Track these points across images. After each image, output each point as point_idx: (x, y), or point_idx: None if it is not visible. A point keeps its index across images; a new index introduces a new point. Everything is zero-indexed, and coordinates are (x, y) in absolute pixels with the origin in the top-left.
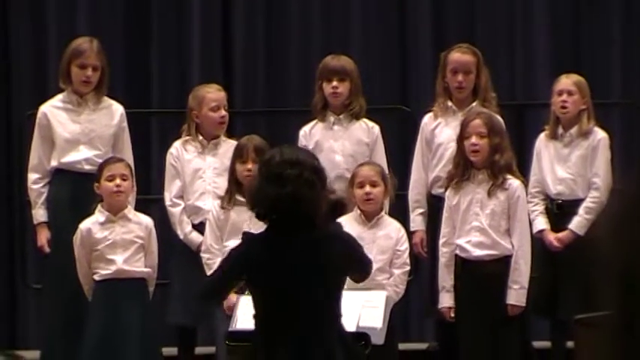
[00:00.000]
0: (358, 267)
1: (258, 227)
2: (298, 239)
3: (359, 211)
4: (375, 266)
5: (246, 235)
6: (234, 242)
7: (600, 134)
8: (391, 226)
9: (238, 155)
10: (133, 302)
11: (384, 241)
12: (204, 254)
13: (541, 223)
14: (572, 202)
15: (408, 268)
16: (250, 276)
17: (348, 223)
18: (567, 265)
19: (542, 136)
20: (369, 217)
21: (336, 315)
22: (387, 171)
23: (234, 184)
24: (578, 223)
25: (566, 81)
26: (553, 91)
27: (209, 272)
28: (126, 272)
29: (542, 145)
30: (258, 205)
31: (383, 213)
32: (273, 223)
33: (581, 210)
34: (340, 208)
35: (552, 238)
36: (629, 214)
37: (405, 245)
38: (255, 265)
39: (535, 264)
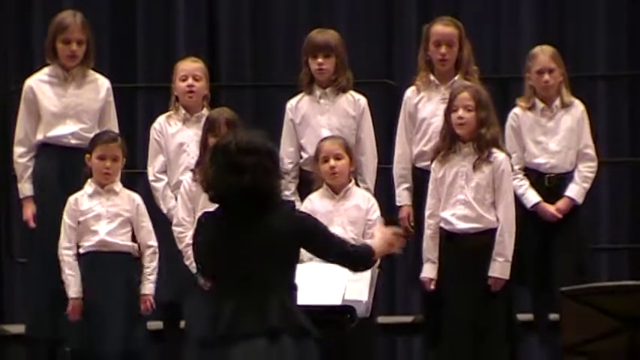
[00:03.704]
0: (329, 247)
1: None
2: (251, 218)
3: (326, 185)
4: (347, 238)
5: (201, 217)
6: None
7: (581, 105)
8: (360, 197)
9: (210, 129)
10: (116, 276)
11: (354, 212)
12: (176, 227)
13: (534, 196)
14: (562, 174)
15: None
16: (206, 252)
17: (317, 198)
18: (560, 237)
19: (517, 110)
20: (337, 190)
21: (285, 290)
22: (373, 143)
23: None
24: (577, 191)
25: (544, 58)
26: (530, 67)
27: (181, 246)
28: (109, 244)
29: (520, 120)
30: (216, 193)
31: (350, 185)
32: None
33: (577, 179)
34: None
35: (553, 210)
36: None
37: (376, 214)
38: (209, 243)
39: (525, 237)
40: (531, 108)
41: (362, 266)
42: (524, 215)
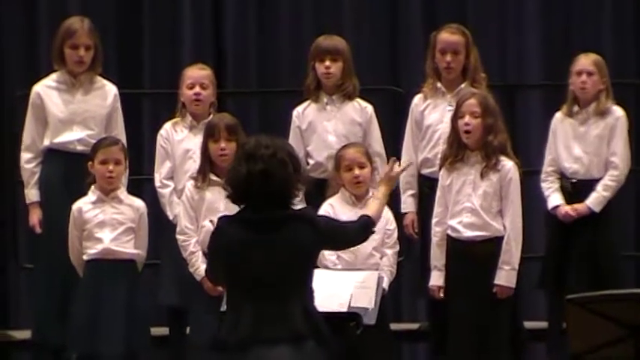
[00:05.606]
0: (345, 238)
1: (233, 207)
2: (269, 219)
3: (348, 193)
4: (369, 246)
5: (220, 220)
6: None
7: (619, 113)
8: None
9: (210, 134)
10: (120, 283)
11: None
12: (180, 236)
13: (556, 199)
14: (587, 181)
15: (398, 247)
16: (223, 254)
17: (339, 204)
18: (580, 242)
19: (558, 115)
20: (360, 199)
21: (304, 293)
22: (382, 151)
23: (208, 162)
24: (595, 199)
25: (585, 61)
26: (571, 71)
27: (185, 254)
28: (113, 252)
29: (558, 124)
30: (231, 185)
31: (370, 194)
32: (246, 205)
33: (599, 187)
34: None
35: (568, 208)
36: None
37: (393, 224)
38: (227, 247)
39: (549, 241)
40: (570, 114)
41: (367, 237)
42: (550, 219)
